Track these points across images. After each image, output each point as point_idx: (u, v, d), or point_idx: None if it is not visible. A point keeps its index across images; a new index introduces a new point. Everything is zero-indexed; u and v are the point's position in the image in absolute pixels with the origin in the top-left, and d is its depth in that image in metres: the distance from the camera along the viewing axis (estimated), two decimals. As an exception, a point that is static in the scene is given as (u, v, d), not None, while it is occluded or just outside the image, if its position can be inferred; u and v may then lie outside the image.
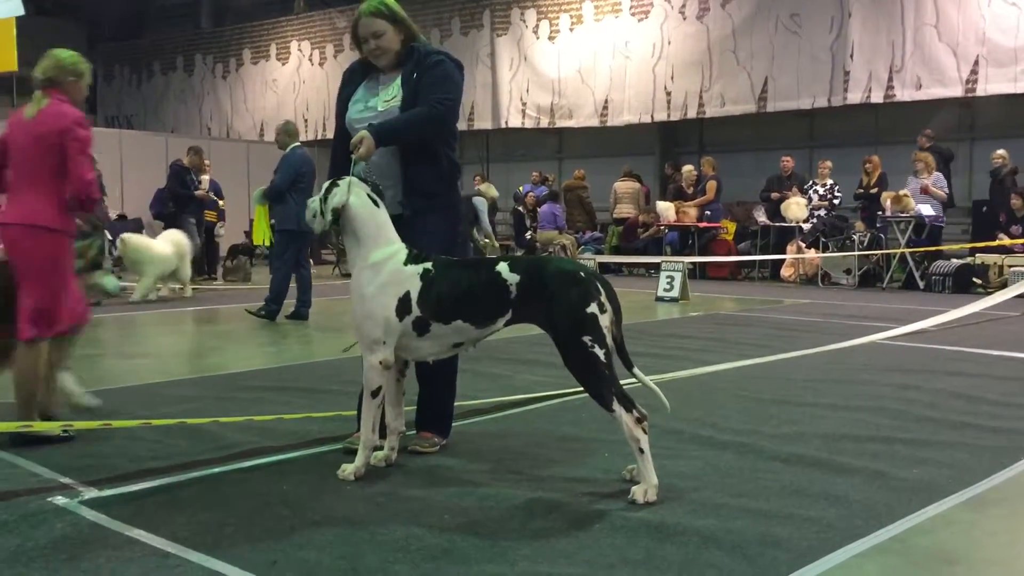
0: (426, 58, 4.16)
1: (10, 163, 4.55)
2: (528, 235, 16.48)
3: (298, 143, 9.69)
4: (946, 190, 13.27)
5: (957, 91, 14.40)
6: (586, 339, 3.52)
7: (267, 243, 10.56)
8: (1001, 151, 13.73)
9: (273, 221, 9.80)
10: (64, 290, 4.50)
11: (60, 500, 3.56)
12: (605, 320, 3.56)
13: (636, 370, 3.72)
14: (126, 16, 28.05)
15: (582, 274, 3.64)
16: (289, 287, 9.48)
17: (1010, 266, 11.92)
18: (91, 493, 3.65)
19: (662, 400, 3.77)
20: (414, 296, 3.76)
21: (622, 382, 3.63)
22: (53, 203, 4.42)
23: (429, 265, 3.81)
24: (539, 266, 3.74)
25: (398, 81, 4.17)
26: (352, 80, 4.35)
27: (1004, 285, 11.26)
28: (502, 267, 3.72)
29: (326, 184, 3.94)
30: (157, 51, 26.75)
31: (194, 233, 13.93)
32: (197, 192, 14.12)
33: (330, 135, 5.46)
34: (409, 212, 4.11)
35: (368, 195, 3.88)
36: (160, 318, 10.01)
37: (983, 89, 14.18)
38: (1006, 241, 12.51)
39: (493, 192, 14.93)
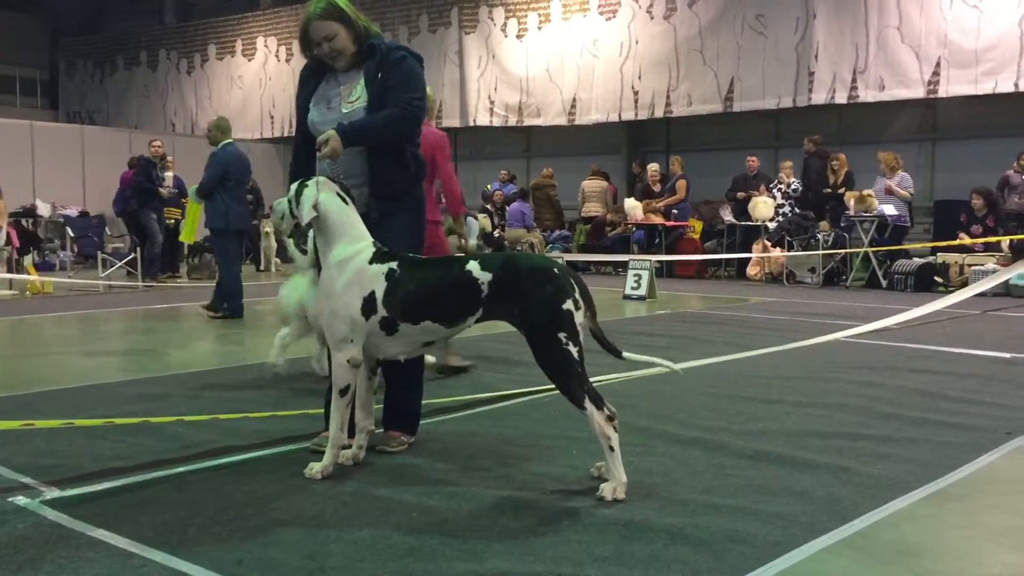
0: (388, 55, 4.08)
1: None
2: (496, 233, 16.48)
3: (230, 140, 9.60)
4: (911, 190, 13.44)
5: (919, 92, 14.60)
6: (561, 336, 3.51)
7: (191, 241, 10.62)
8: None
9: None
10: None
11: (21, 500, 3.51)
12: (580, 317, 3.56)
13: (627, 353, 3.75)
14: (88, 10, 27.69)
15: (556, 270, 3.62)
16: (240, 281, 9.47)
17: (971, 265, 12.10)
18: (53, 493, 3.60)
19: (668, 365, 3.80)
20: (379, 296, 3.72)
21: (593, 379, 3.64)
22: (430, 201, 5.73)
23: (395, 264, 3.76)
24: (512, 263, 3.69)
25: (361, 81, 4.09)
26: (310, 80, 4.25)
27: (965, 284, 11.43)
28: (472, 266, 3.69)
29: (295, 185, 3.89)
30: (120, 46, 26.40)
31: (155, 230, 13.80)
32: (161, 188, 13.96)
33: (296, 132, 5.39)
34: (376, 214, 4.07)
35: (337, 193, 3.85)
36: (123, 316, 9.89)
37: (945, 90, 14.38)
38: (967, 240, 12.69)
39: (486, 225, 15.02)
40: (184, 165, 16.53)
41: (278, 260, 17.00)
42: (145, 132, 20.83)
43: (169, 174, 14.73)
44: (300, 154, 4.21)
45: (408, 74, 4.07)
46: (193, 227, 10.52)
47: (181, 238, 11.67)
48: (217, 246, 9.63)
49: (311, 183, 3.82)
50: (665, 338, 7.90)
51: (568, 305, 3.53)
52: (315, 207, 3.77)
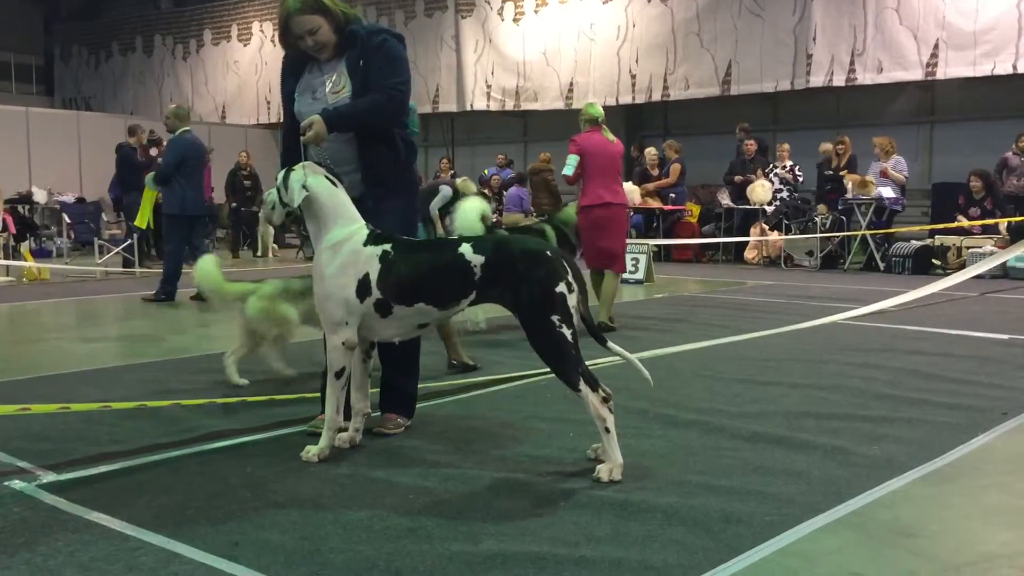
0: (368, 40, 4.04)
1: (591, 166, 7.42)
2: (494, 218, 16.45)
3: (188, 127, 9.71)
4: (906, 173, 13.43)
5: (918, 75, 14.56)
6: (554, 319, 3.50)
7: (148, 227, 10.84)
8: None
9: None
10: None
11: (17, 484, 3.51)
12: (573, 300, 3.55)
13: (611, 344, 3.73)
14: (83, -5, 27.54)
15: (548, 253, 3.62)
16: (181, 268, 9.57)
17: (968, 247, 12.09)
18: (49, 477, 3.60)
19: (643, 373, 3.74)
20: (374, 278, 3.72)
21: (589, 362, 3.63)
22: (624, 192, 7.81)
23: (389, 247, 3.76)
24: (504, 246, 3.69)
25: (343, 69, 4.06)
26: (293, 70, 4.22)
27: (962, 266, 11.42)
28: (465, 248, 3.69)
29: (281, 173, 3.87)
30: (115, 31, 26.30)
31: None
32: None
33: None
34: (371, 201, 4.05)
35: (326, 176, 3.84)
36: (120, 302, 9.87)
37: (943, 72, 14.34)
38: (964, 223, 12.68)
39: (471, 188, 14.98)
40: (180, 151, 16.47)
41: (275, 246, 16.96)
42: (141, 118, 20.76)
43: (164, 159, 14.65)
44: (290, 143, 4.18)
45: (390, 58, 4.04)
46: (148, 212, 10.71)
47: (136, 223, 11.76)
48: (167, 230, 9.80)
49: (298, 167, 3.81)
50: (663, 321, 7.90)
51: (561, 288, 3.52)
52: (305, 187, 3.75)
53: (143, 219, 11.00)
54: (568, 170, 7.49)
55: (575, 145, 7.50)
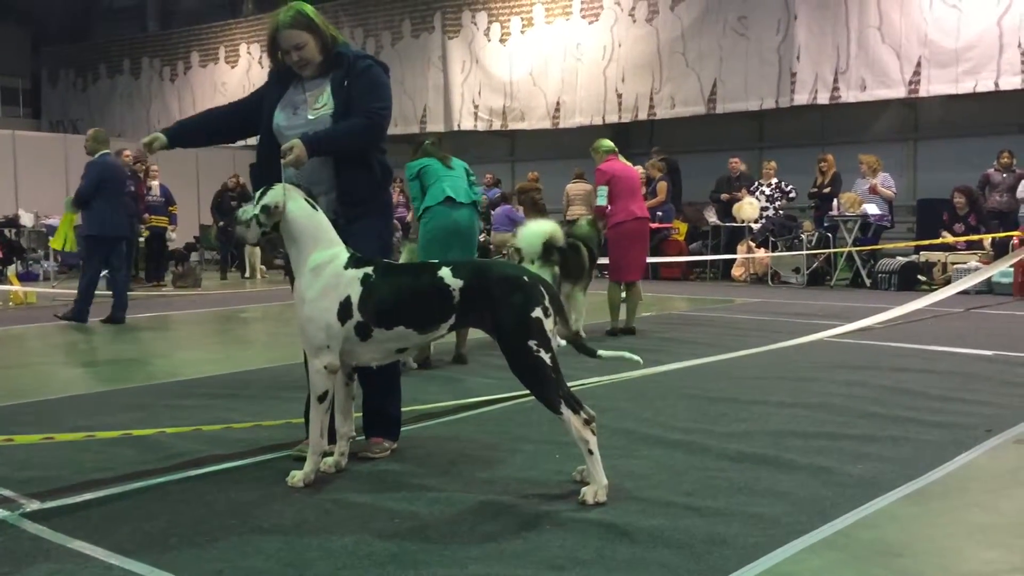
0: (355, 64, 4.09)
1: (619, 188, 8.14)
2: (481, 237, 16.45)
3: (107, 150, 9.84)
4: (894, 189, 13.52)
5: (900, 92, 14.67)
6: (531, 344, 3.51)
7: (67, 248, 10.94)
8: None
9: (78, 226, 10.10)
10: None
11: (0, 513, 3.48)
12: (550, 324, 3.57)
13: (601, 352, 3.76)
14: (71, 18, 27.53)
15: (525, 279, 3.63)
16: (95, 290, 9.75)
17: (953, 263, 12.16)
18: (33, 505, 3.58)
19: (635, 360, 3.83)
20: (355, 300, 3.72)
21: (572, 383, 3.64)
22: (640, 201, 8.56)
23: (370, 270, 3.77)
24: (482, 271, 3.72)
25: (328, 89, 4.09)
26: (276, 84, 4.26)
27: (947, 282, 11.49)
28: (444, 272, 3.70)
29: (259, 193, 3.87)
30: (103, 54, 26.29)
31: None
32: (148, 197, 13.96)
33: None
34: (343, 221, 4.06)
35: (305, 199, 3.84)
36: (107, 326, 9.83)
37: (925, 90, 14.45)
38: (949, 239, 12.76)
39: None
40: (169, 173, 16.49)
41: (263, 267, 16.93)
42: (128, 140, 20.74)
43: (155, 182, 14.70)
44: (263, 161, 4.19)
45: (374, 83, 4.09)
46: (66, 235, 10.79)
47: (52, 244, 11.83)
48: (87, 251, 9.92)
49: (278, 186, 3.81)
50: (651, 340, 7.91)
51: (537, 313, 3.54)
52: (278, 207, 3.75)
53: (59, 241, 11.07)
54: (601, 200, 8.19)
55: (602, 175, 8.19)
